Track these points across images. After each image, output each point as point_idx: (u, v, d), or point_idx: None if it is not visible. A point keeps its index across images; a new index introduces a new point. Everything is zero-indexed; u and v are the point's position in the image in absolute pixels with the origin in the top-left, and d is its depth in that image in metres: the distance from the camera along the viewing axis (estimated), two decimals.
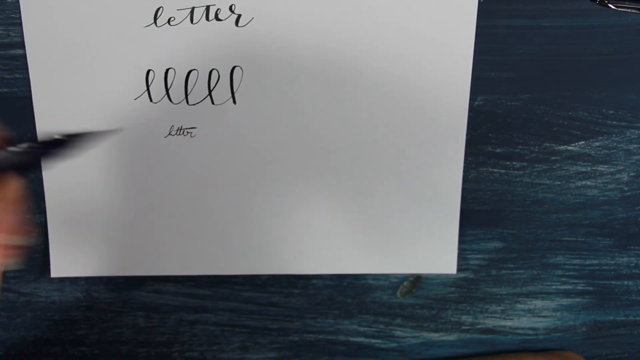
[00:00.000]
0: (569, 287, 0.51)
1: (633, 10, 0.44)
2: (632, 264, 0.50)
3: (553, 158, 0.47)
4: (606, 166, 0.48)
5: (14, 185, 0.31)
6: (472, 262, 0.50)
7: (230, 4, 0.42)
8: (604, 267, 0.50)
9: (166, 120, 0.45)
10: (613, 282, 0.51)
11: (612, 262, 0.50)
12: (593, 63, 0.45)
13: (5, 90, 0.44)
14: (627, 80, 0.46)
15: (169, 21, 0.42)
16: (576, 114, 0.46)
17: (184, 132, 0.45)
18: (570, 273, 0.50)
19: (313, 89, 0.44)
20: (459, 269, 0.49)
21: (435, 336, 0.51)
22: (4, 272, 0.48)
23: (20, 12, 0.42)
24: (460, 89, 0.45)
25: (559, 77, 0.46)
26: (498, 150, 0.47)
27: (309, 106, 0.45)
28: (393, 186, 0.47)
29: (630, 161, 0.48)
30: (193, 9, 0.42)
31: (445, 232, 0.48)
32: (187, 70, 0.44)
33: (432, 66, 0.44)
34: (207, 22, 0.43)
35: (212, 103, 0.44)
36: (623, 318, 0.52)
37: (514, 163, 0.47)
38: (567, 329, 0.52)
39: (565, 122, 0.47)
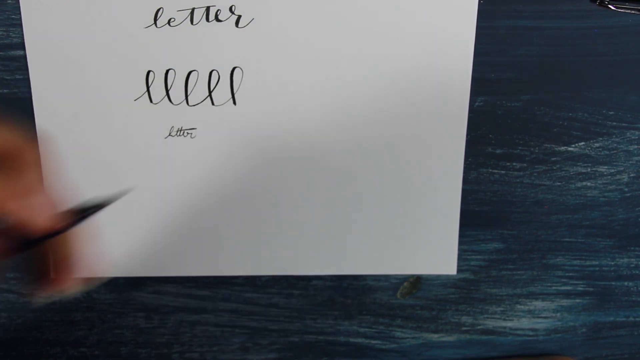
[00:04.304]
0: (569, 288, 0.51)
1: (633, 11, 0.44)
2: (632, 265, 0.50)
3: (553, 159, 0.47)
4: (606, 167, 0.48)
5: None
6: (472, 263, 0.50)
7: (230, 5, 0.42)
8: (604, 268, 0.50)
9: (166, 121, 0.45)
10: (613, 283, 0.51)
11: (612, 263, 0.50)
12: (593, 64, 0.45)
13: (5, 91, 0.44)
14: (627, 81, 0.46)
15: (169, 22, 0.42)
16: (576, 115, 0.46)
17: (184, 132, 0.45)
18: (571, 274, 0.50)
19: (313, 89, 0.44)
20: (459, 270, 0.49)
21: (435, 337, 0.51)
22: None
23: (20, 13, 0.42)
24: (460, 89, 0.45)
25: (559, 78, 0.46)
26: (498, 151, 0.47)
27: (308, 107, 0.45)
28: (393, 187, 0.46)
29: (630, 162, 0.48)
30: (193, 9, 0.42)
31: (445, 233, 0.48)
32: (187, 71, 0.44)
33: (432, 67, 0.44)
34: (207, 23, 0.43)
35: (212, 104, 0.44)
36: (623, 319, 0.52)
37: (514, 164, 0.47)
38: (567, 330, 0.51)
39: (565, 123, 0.47)
